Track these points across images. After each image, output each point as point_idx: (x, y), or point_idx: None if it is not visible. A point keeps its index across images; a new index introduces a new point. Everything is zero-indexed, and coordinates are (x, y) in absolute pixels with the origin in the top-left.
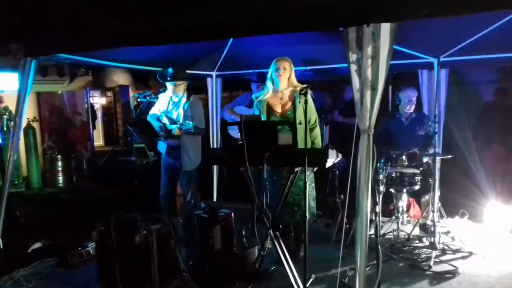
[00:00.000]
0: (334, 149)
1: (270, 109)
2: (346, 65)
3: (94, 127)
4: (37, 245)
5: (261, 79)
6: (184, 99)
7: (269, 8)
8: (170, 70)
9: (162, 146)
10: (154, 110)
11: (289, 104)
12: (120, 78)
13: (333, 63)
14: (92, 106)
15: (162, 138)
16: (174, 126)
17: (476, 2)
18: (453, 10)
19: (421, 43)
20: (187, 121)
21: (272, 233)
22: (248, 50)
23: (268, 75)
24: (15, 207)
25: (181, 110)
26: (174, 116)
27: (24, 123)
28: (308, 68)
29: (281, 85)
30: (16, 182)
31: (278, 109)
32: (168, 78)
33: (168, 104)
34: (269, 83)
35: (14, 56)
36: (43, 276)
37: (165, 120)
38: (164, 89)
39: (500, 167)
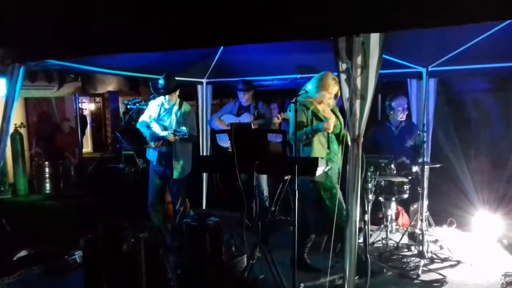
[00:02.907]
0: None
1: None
2: (335, 73)
3: (83, 134)
4: (23, 253)
5: (247, 87)
6: (176, 106)
7: (259, 17)
8: (161, 82)
9: (152, 154)
10: (144, 117)
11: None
12: (110, 84)
13: (323, 71)
14: (82, 112)
15: (153, 146)
16: (167, 132)
17: (465, 13)
18: (442, 21)
19: (410, 52)
20: (181, 127)
21: (261, 242)
22: (239, 57)
23: (322, 85)
24: (1, 214)
25: (173, 117)
26: (166, 123)
27: (11, 129)
28: (299, 76)
29: None
30: (2, 188)
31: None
32: (162, 91)
33: (160, 110)
34: (325, 93)
35: (2, 62)
36: (28, 285)
37: (156, 128)
38: (155, 95)
39: (487, 176)
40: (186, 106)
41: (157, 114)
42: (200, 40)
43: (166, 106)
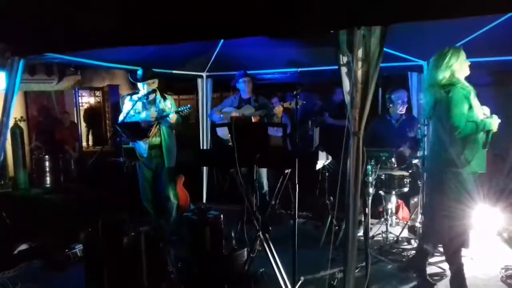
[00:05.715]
0: (324, 151)
1: None
2: (336, 67)
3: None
4: (23, 246)
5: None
6: (159, 98)
7: (260, 11)
8: (139, 71)
9: (142, 148)
10: (126, 112)
11: None
12: (110, 78)
13: (322, 65)
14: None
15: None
16: (171, 112)
17: (467, 6)
18: (445, 14)
19: (410, 46)
20: (181, 107)
21: (261, 235)
22: (239, 51)
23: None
24: (1, 207)
25: (162, 103)
26: (150, 114)
27: (11, 123)
28: (299, 69)
29: None
30: (2, 182)
31: None
32: (139, 79)
33: (142, 104)
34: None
35: (1, 55)
36: (29, 279)
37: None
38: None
39: (487, 170)
40: (168, 96)
41: (141, 107)
42: (200, 33)
43: (144, 92)
